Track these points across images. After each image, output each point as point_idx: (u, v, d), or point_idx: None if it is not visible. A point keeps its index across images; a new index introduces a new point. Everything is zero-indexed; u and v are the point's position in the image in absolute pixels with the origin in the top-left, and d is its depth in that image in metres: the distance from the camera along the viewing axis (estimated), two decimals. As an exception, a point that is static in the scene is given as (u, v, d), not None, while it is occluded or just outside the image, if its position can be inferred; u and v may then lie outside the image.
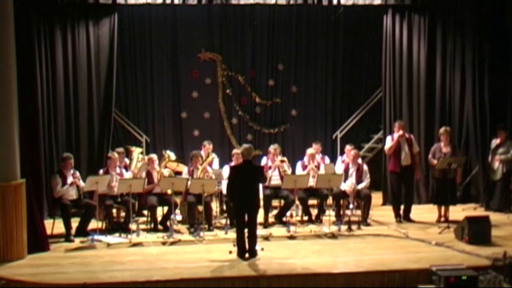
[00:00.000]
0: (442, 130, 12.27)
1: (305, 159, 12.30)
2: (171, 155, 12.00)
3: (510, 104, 13.72)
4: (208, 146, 12.64)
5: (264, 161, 12.47)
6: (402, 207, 12.21)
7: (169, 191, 11.21)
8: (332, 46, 16.44)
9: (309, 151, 12.37)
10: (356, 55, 16.59)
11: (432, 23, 14.08)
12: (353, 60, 16.61)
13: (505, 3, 13.41)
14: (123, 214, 11.61)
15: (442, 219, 12.00)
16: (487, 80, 13.76)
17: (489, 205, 13.16)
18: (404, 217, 12.11)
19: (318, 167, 12.23)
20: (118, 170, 11.61)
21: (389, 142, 12.17)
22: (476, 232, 10.19)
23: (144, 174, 11.77)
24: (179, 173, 12.77)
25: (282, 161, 12.17)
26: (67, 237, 10.61)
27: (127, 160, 12.96)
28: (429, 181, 13.36)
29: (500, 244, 10.05)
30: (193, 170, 11.73)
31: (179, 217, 12.06)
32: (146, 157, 12.79)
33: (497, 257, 8.90)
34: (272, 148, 12.38)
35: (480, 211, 12.95)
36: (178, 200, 11.89)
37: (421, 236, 10.72)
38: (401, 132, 11.99)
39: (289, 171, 12.13)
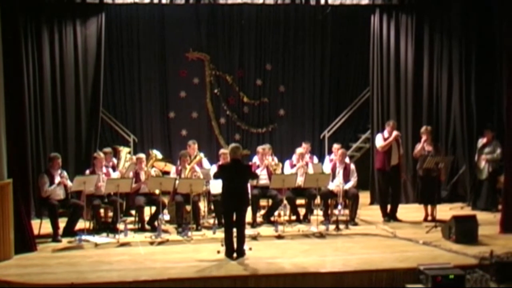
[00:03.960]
0: (423, 129, 12.31)
1: (294, 158, 12.29)
2: (157, 154, 11.98)
3: (496, 104, 13.77)
4: (193, 145, 12.60)
5: (253, 160, 12.45)
6: (389, 206, 12.23)
7: (157, 191, 11.17)
8: (320, 46, 16.45)
9: (299, 150, 12.37)
10: (344, 55, 16.60)
11: (420, 23, 14.11)
12: (340, 59, 16.63)
13: (492, 3, 13.45)
14: (110, 214, 11.56)
15: (429, 218, 12.03)
16: (474, 80, 13.83)
17: (476, 204, 13.19)
18: (390, 217, 12.13)
19: (307, 166, 12.21)
20: (104, 170, 11.55)
21: (381, 140, 12.16)
22: (463, 231, 10.22)
23: (131, 174, 11.73)
24: (167, 172, 12.74)
25: (276, 165, 12.17)
26: (54, 237, 10.55)
27: (115, 160, 12.92)
28: (415, 180, 13.36)
29: (487, 243, 10.08)
30: (181, 170, 11.70)
31: (167, 217, 12.03)
32: (134, 157, 12.75)
33: (484, 256, 8.93)
34: (261, 148, 12.37)
35: (467, 210, 12.98)
36: (166, 200, 11.86)
37: (409, 235, 10.74)
38: (398, 132, 12.10)
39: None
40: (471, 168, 13.63)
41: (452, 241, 10.21)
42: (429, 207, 12.12)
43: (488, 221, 11.75)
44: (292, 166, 12.19)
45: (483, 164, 12.94)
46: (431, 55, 14.18)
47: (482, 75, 13.77)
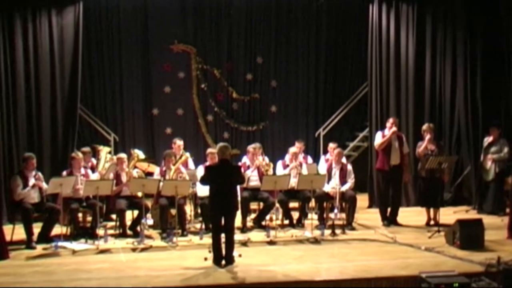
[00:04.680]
0: (425, 126, 12.27)
1: (287, 157, 12.28)
2: (140, 154, 11.96)
3: (503, 100, 13.82)
4: (178, 143, 12.59)
5: (243, 160, 12.44)
6: (389, 209, 12.25)
7: (140, 194, 11.15)
8: (315, 38, 16.46)
9: (292, 149, 12.35)
10: (340, 48, 16.63)
11: (421, 13, 14.15)
12: (337, 53, 16.65)
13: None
14: (89, 218, 11.53)
15: (432, 222, 12.04)
16: (479, 75, 13.87)
17: (482, 207, 13.25)
18: (390, 221, 12.14)
19: (300, 166, 12.22)
20: (83, 171, 11.51)
21: (379, 138, 12.15)
22: (468, 236, 10.23)
23: (112, 175, 11.69)
24: (150, 174, 12.71)
25: (267, 165, 12.16)
26: (28, 243, 10.49)
27: (94, 160, 12.87)
28: (417, 181, 13.36)
29: (494, 249, 10.09)
30: (166, 171, 11.68)
31: (150, 222, 12.00)
32: (114, 157, 12.70)
33: (490, 263, 8.94)
34: (252, 147, 12.34)
35: (472, 214, 13.03)
36: (149, 203, 11.82)
37: (410, 241, 10.74)
38: (394, 128, 12.01)
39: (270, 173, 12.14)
40: (476, 168, 13.66)
41: (456, 246, 10.21)
42: (431, 210, 12.12)
43: (495, 226, 11.77)
44: (285, 166, 12.17)
45: (489, 164, 12.97)
46: (434, 47, 14.22)
47: (488, 69, 13.82)
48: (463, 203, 14.01)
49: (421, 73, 14.21)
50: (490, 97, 13.88)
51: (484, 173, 13.17)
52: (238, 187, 10.66)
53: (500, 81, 13.77)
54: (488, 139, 13.05)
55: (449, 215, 12.41)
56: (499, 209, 12.92)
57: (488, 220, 11.63)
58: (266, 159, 12.45)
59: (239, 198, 10.64)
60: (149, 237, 11.09)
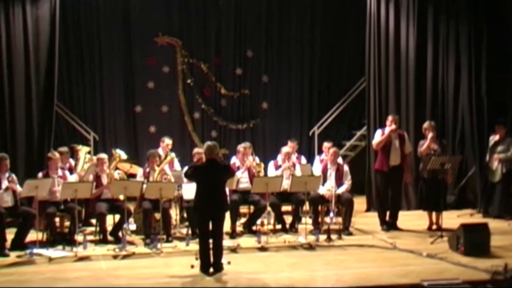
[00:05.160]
0: (426, 124, 12.24)
1: (279, 158, 12.27)
2: (122, 154, 11.92)
3: (510, 96, 13.84)
4: (167, 142, 12.60)
5: (232, 160, 12.42)
6: (388, 213, 12.25)
7: (121, 197, 11.12)
8: (309, 30, 16.49)
9: (285, 149, 12.33)
10: (336, 40, 16.65)
11: (423, 4, 14.18)
12: (332, 46, 16.67)
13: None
14: (67, 223, 11.50)
15: (434, 226, 12.05)
16: (485, 69, 13.90)
17: (488, 210, 13.27)
18: (389, 225, 12.14)
19: (293, 167, 12.20)
20: (60, 172, 11.46)
21: (378, 136, 12.15)
22: (473, 241, 10.22)
23: (91, 177, 11.65)
24: (133, 175, 12.69)
25: (258, 165, 12.14)
26: (1, 251, 10.42)
27: (72, 161, 12.83)
28: (418, 183, 13.35)
29: (500, 256, 10.08)
30: (149, 172, 11.65)
31: (132, 227, 12.00)
32: (94, 158, 12.68)
33: (497, 270, 8.92)
34: (242, 147, 12.31)
35: (477, 218, 13.07)
36: (131, 206, 11.80)
37: (411, 247, 10.74)
38: (393, 126, 11.99)
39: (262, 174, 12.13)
40: (481, 169, 13.69)
41: (460, 253, 10.21)
42: (434, 214, 12.12)
43: (501, 230, 11.80)
44: (277, 167, 12.16)
45: (495, 164, 12.98)
46: (436, 40, 14.24)
47: (494, 63, 13.84)
48: (468, 206, 14.04)
49: (422, 67, 14.23)
50: (496, 93, 13.92)
51: (490, 174, 13.19)
52: (227, 189, 10.65)
53: (507, 76, 13.81)
54: (494, 138, 13.05)
55: (452, 219, 12.43)
56: (506, 213, 12.95)
57: (494, 224, 11.68)
58: (257, 159, 12.44)
59: (228, 201, 10.61)
60: (131, 243, 11.03)
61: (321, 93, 16.73)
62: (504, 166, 12.90)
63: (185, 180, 11.07)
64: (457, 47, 14.12)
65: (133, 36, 15.75)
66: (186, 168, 11.50)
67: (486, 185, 13.45)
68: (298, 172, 12.15)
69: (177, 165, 12.61)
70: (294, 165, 12.26)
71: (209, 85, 16.20)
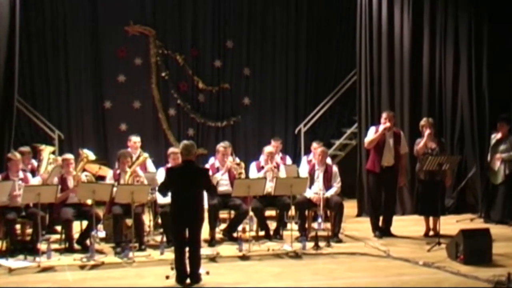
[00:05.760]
0: (423, 121, 12.26)
1: (261, 158, 12.27)
2: (90, 154, 11.88)
3: (514, 90, 13.92)
4: (134, 140, 12.60)
5: (211, 161, 12.41)
6: (381, 218, 12.28)
7: (89, 201, 11.08)
8: (294, 18, 16.52)
9: (267, 149, 12.34)
10: (324, 29, 16.69)
11: (418, -10, 14.24)
12: (320, 35, 16.71)
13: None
14: (29, 230, 11.43)
15: (431, 233, 12.10)
16: (486, 62, 13.92)
17: (489, 215, 13.33)
18: (383, 231, 12.18)
19: (277, 168, 12.22)
20: (21, 174, 11.41)
21: (371, 134, 12.16)
22: (474, 249, 10.25)
23: (56, 180, 11.61)
24: (102, 177, 12.65)
25: (238, 165, 12.13)
26: (-45, 261, 10.42)
27: (34, 162, 12.78)
28: (414, 185, 13.38)
29: (503, 264, 10.13)
30: (120, 174, 11.62)
31: (101, 234, 11.96)
32: (59, 158, 12.63)
33: (499, 280, 8.99)
34: (222, 146, 12.29)
35: (478, 223, 13.12)
36: (100, 212, 11.76)
37: (406, 255, 10.77)
38: (388, 124, 12.00)
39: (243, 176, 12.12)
40: (482, 170, 13.74)
41: (460, 261, 10.24)
42: (431, 219, 12.18)
43: (504, 236, 11.87)
44: (259, 168, 12.17)
45: (497, 164, 13.04)
46: (433, 28, 14.28)
47: (496, 55, 13.87)
48: (468, 210, 14.11)
49: (418, 59, 14.27)
50: (498, 87, 13.94)
51: (491, 175, 13.25)
52: (205, 193, 10.64)
53: (510, 69, 13.84)
54: (496, 136, 13.10)
55: (451, 224, 12.49)
56: (509, 217, 13.02)
57: (496, 230, 11.75)
58: (237, 160, 12.40)
59: (206, 206, 10.60)
60: (100, 252, 11.00)
61: (307, 87, 16.76)
62: (507, 166, 12.96)
63: (159, 183, 11.05)
64: (456, 36, 14.14)
65: (101, 24, 15.71)
66: (161, 169, 11.55)
67: (487, 188, 13.50)
68: (282, 174, 12.16)
69: (150, 166, 12.59)
70: (278, 166, 12.27)
71: (185, 78, 16.20)
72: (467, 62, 14.06)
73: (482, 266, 9.99)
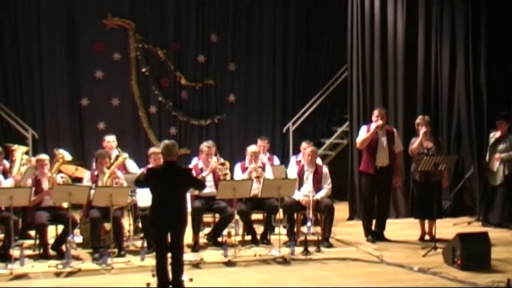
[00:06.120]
0: (419, 119, 12.28)
1: (247, 159, 12.27)
2: (66, 154, 11.85)
3: (513, 86, 13.96)
4: (108, 139, 12.62)
5: (194, 162, 12.40)
6: (374, 221, 12.30)
7: (65, 204, 11.04)
8: (282, 11, 16.53)
9: (251, 148, 12.30)
10: (314, 23, 16.68)
11: (413, -20, 14.27)
12: (309, 29, 16.71)
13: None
14: (1, 236, 11.38)
15: (427, 237, 12.14)
16: (484, 55, 13.95)
17: (488, 218, 13.36)
18: (376, 235, 12.19)
19: (263, 168, 12.21)
20: (-7, 176, 11.41)
21: (363, 133, 12.17)
22: (472, 254, 10.28)
23: (30, 182, 11.57)
24: (78, 179, 12.62)
25: (222, 164, 12.12)
26: None
27: (6, 163, 12.74)
28: (409, 187, 13.40)
29: (502, 270, 10.16)
30: (98, 175, 11.60)
31: (78, 239, 11.93)
32: (33, 159, 12.59)
33: (498, 286, 9.01)
34: (205, 146, 12.29)
35: (476, 226, 13.17)
36: (77, 216, 11.73)
37: (400, 260, 10.80)
38: (380, 122, 12.01)
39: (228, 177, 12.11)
40: (481, 170, 13.79)
41: (457, 267, 10.27)
42: (426, 222, 12.22)
43: (503, 241, 11.91)
44: (245, 170, 12.16)
45: (496, 165, 13.08)
46: (428, 21, 14.30)
47: (494, 48, 13.90)
48: (465, 213, 14.16)
49: (412, 54, 14.29)
50: (496, 83, 13.97)
51: (490, 176, 13.28)
52: (189, 196, 10.62)
53: (509, 64, 13.87)
54: (495, 135, 13.13)
55: (448, 228, 12.54)
56: (508, 220, 13.06)
57: (495, 234, 11.78)
58: (221, 160, 12.39)
59: (189, 209, 10.59)
60: (77, 258, 10.98)
61: (296, 83, 16.77)
62: (506, 167, 12.99)
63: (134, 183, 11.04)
64: (453, 29, 14.17)
65: (77, 17, 15.66)
66: (142, 170, 11.53)
67: (486, 189, 13.54)
68: (268, 174, 12.16)
69: (132, 167, 12.57)
70: (263, 167, 12.26)
71: (167, 74, 16.18)
72: (464, 57, 14.09)
73: (480, 272, 10.01)
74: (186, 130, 16.31)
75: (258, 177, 11.82)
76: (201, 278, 9.85)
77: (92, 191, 10.99)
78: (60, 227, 11.27)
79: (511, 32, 13.72)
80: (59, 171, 11.88)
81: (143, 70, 15.98)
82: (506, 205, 13.09)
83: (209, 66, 16.42)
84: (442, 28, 14.25)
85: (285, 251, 11.16)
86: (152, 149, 12.02)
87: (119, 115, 15.99)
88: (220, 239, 11.82)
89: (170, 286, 9.34)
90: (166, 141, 9.87)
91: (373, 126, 11.99)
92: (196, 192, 11.56)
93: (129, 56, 15.96)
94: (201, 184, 10.21)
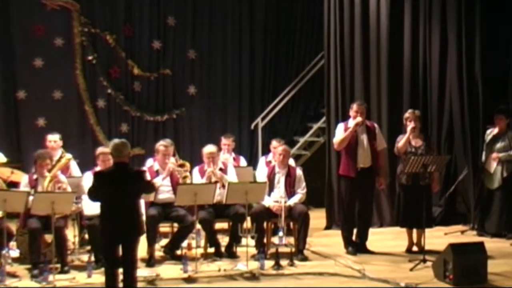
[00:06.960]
0: (408, 113, 12.28)
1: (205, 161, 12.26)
2: (0, 156, 11.78)
3: (512, 77, 14.05)
4: (50, 138, 12.56)
5: (149, 163, 12.36)
6: (355, 230, 12.33)
7: (-1, 213, 10.99)
8: (249, -10, 16.56)
9: (207, 149, 12.18)
10: (286, 5, 16.70)
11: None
12: (281, 12, 16.74)
13: None
14: None
15: (415, 248, 12.19)
16: (478, 43, 14.01)
17: (484, 226, 13.43)
18: (357, 246, 12.22)
19: (224, 171, 12.17)
20: None
21: (340, 132, 12.19)
22: (465, 267, 10.33)
23: (-41, 187, 11.52)
24: (14, 184, 12.55)
25: (181, 166, 12.10)
26: None
27: None
28: (395, 191, 13.43)
29: (500, 285, 10.24)
30: (38, 179, 11.52)
31: (14, 253, 11.86)
32: (-38, 161, 12.54)
33: (496, 304, 9.10)
34: (162, 145, 12.25)
35: (470, 236, 13.25)
36: (13, 226, 11.66)
37: (385, 274, 10.84)
38: (359, 118, 12.00)
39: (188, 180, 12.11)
40: (475, 172, 13.85)
41: (449, 282, 10.33)
42: (414, 231, 12.27)
43: (501, 252, 11.99)
44: (204, 173, 12.11)
45: (494, 165, 13.14)
46: (416, 6, 14.35)
47: (490, 35, 13.97)
48: (458, 221, 14.25)
49: (397, 41, 14.35)
50: (493, 75, 14.06)
51: (486, 179, 13.36)
52: (143, 202, 10.57)
53: (507, 52, 13.96)
54: (492, 132, 13.20)
55: (438, 237, 12.64)
56: (507, 229, 13.14)
57: (492, 244, 11.88)
58: (181, 160, 12.36)
59: (143, 217, 10.55)
60: (13, 275, 10.93)
61: (266, 73, 16.80)
62: (505, 168, 13.06)
63: (85, 190, 10.97)
64: (443, 15, 14.22)
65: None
66: (88, 173, 11.47)
67: (481, 193, 13.60)
68: (232, 178, 12.13)
69: (75, 170, 12.50)
70: (223, 169, 12.23)
71: (117, 63, 16.15)
72: (456, 46, 14.11)
73: (475, 287, 10.08)
74: (139, 127, 16.28)
75: (216, 182, 11.78)
76: (157, 297, 9.85)
77: (31, 198, 10.90)
78: (-6, 239, 11.22)
79: (508, 15, 13.79)
80: (-8, 175, 11.84)
81: (90, 58, 15.92)
82: (504, 212, 13.14)
83: (165, 53, 16.41)
84: (432, 11, 14.30)
85: (254, 265, 11.16)
86: (100, 149, 11.96)
87: (62, 110, 15.91)
88: (179, 252, 11.79)
89: (121, 306, 9.34)
90: (116, 140, 9.81)
91: (351, 123, 11.99)
92: (151, 198, 11.53)
93: (73, 42, 15.89)
94: (150, 187, 10.15)
